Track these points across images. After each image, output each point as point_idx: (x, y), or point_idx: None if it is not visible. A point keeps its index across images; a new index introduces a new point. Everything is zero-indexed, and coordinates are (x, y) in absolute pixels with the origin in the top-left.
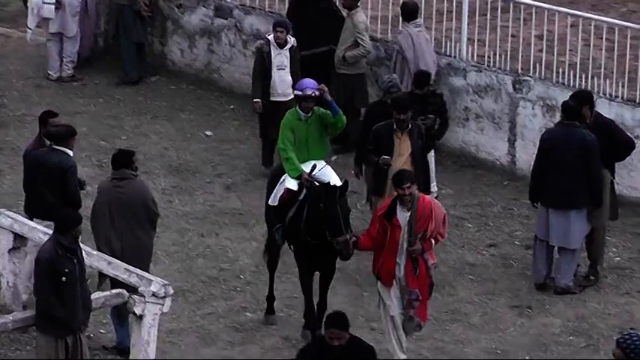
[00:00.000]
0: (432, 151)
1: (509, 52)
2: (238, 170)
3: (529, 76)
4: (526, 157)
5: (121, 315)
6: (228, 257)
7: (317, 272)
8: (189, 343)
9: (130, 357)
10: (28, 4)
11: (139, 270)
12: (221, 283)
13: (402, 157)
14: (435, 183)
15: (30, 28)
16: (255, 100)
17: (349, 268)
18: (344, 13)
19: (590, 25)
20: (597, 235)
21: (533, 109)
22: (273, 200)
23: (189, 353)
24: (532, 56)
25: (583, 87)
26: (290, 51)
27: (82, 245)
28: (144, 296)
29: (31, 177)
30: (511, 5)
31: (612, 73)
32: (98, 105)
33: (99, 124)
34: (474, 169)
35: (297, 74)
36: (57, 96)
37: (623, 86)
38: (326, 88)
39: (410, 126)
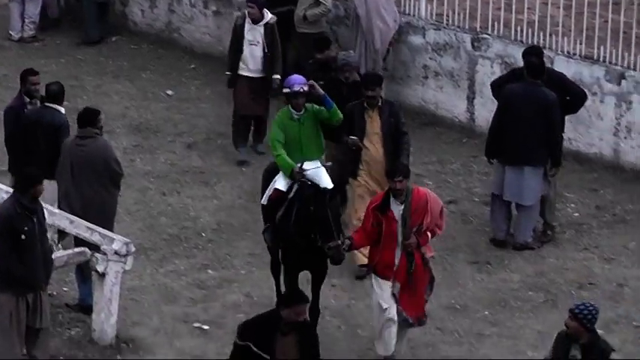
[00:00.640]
0: None
1: (467, 11)
2: (199, 129)
3: (487, 34)
4: (485, 114)
5: (84, 273)
6: (190, 215)
7: (308, 272)
8: (151, 300)
9: (93, 314)
10: None
11: (100, 228)
12: (183, 241)
13: (374, 136)
14: None
15: None
16: (227, 72)
17: None
18: None
19: None
20: (550, 189)
21: (491, 67)
22: (264, 200)
23: (151, 311)
24: (490, 14)
25: (541, 44)
26: (265, 27)
27: (43, 204)
28: (106, 254)
29: (16, 133)
30: None
31: (570, 30)
32: (60, 65)
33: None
34: (433, 127)
35: (274, 51)
36: (19, 56)
37: (580, 43)
38: (315, 83)
39: (380, 103)
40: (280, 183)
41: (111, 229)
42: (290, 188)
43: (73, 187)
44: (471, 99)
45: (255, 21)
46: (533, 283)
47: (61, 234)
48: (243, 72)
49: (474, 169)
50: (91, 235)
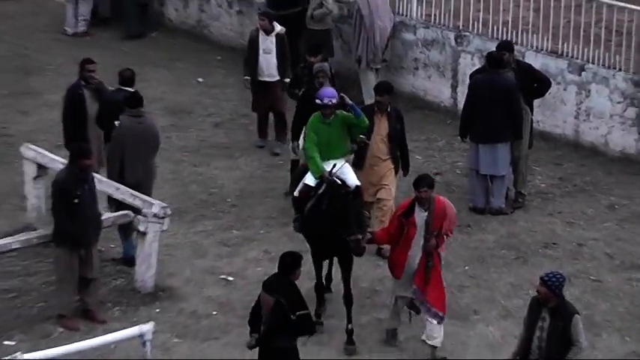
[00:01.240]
0: None
1: (452, 12)
2: (225, 110)
3: (468, 32)
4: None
5: (127, 232)
6: (217, 184)
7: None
8: (184, 255)
9: (135, 267)
10: None
11: (141, 194)
12: (210, 205)
13: (379, 137)
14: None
15: None
16: (245, 77)
17: None
18: None
19: None
20: (520, 163)
21: (472, 59)
22: (296, 193)
23: (184, 264)
24: (471, 15)
25: (514, 41)
26: (276, 37)
27: (94, 173)
28: (146, 216)
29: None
30: None
31: (538, 29)
32: (107, 56)
33: (108, 73)
34: (422, 110)
35: (284, 57)
36: (72, 49)
37: (547, 40)
38: (345, 96)
39: (389, 109)
40: (310, 179)
41: (150, 195)
42: (320, 184)
43: (136, 159)
44: (454, 87)
45: (267, 32)
46: (506, 243)
47: (111, 199)
48: (260, 77)
49: (457, 146)
50: (133, 200)
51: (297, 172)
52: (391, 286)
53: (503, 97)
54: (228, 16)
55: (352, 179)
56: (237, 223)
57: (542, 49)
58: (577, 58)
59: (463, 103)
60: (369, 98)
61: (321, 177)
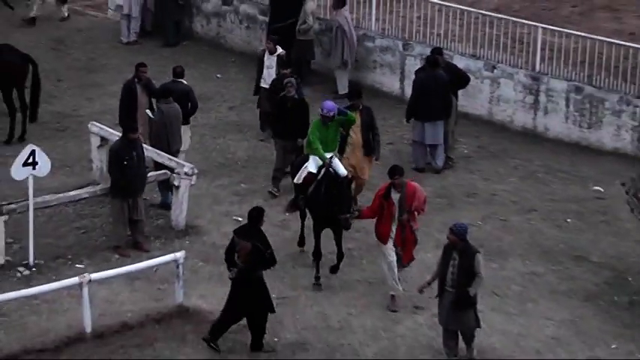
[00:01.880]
0: None
1: (400, 26)
2: (237, 97)
3: (412, 41)
4: (410, 90)
5: (165, 186)
6: (230, 151)
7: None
8: (206, 203)
9: (171, 211)
10: None
11: (176, 158)
12: (226, 167)
13: (356, 128)
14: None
15: (111, 9)
16: (255, 85)
17: None
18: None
19: (449, 10)
20: (449, 136)
21: (415, 61)
22: (298, 180)
23: (206, 209)
24: (414, 29)
25: (445, 47)
26: (277, 57)
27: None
28: (179, 174)
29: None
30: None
31: (462, 38)
32: (150, 59)
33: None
34: (379, 98)
35: (285, 66)
36: (127, 54)
37: (469, 47)
38: (340, 107)
39: (361, 107)
40: (312, 167)
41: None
42: (318, 172)
43: (175, 133)
44: (402, 81)
45: (271, 52)
46: (440, 193)
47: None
48: (263, 84)
49: (404, 124)
50: (170, 163)
51: (297, 162)
52: (383, 258)
53: (439, 88)
54: (239, 30)
55: (342, 170)
56: (246, 179)
57: (465, 54)
58: (490, 60)
59: (410, 94)
60: (343, 90)
61: (324, 164)
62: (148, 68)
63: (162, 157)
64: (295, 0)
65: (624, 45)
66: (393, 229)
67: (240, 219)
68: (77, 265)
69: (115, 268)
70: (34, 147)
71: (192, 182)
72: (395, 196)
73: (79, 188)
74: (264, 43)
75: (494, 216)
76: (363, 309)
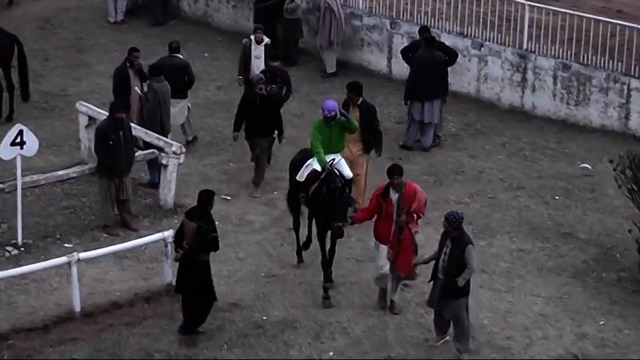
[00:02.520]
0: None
1: (387, 5)
2: (224, 77)
3: (400, 19)
4: (397, 68)
5: (153, 165)
6: (218, 130)
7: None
8: (195, 181)
9: (159, 190)
10: None
11: (164, 137)
12: (214, 145)
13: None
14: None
15: None
16: (238, 77)
17: None
18: None
19: None
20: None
21: (402, 39)
22: (301, 177)
23: (195, 188)
24: (402, 7)
25: (433, 26)
26: (265, 47)
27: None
28: (168, 153)
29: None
30: None
31: (450, 17)
32: (138, 38)
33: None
34: (366, 76)
35: (273, 58)
36: (114, 33)
37: (456, 25)
38: (343, 111)
39: (359, 102)
40: (317, 165)
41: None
42: (322, 171)
43: (165, 109)
44: (389, 59)
45: (259, 42)
46: (427, 171)
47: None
48: (251, 77)
49: (391, 102)
50: (158, 142)
51: (296, 159)
52: (376, 254)
53: (437, 68)
54: (226, 9)
55: (347, 172)
56: (234, 158)
57: (452, 32)
58: (478, 38)
59: (396, 70)
60: (331, 69)
61: (324, 167)
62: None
63: (151, 137)
64: None
65: (611, 22)
66: (391, 231)
67: (228, 198)
68: (66, 245)
69: (104, 247)
70: (22, 126)
71: (181, 161)
72: (394, 196)
73: (67, 168)
74: (253, 33)
75: (481, 193)
76: (352, 287)
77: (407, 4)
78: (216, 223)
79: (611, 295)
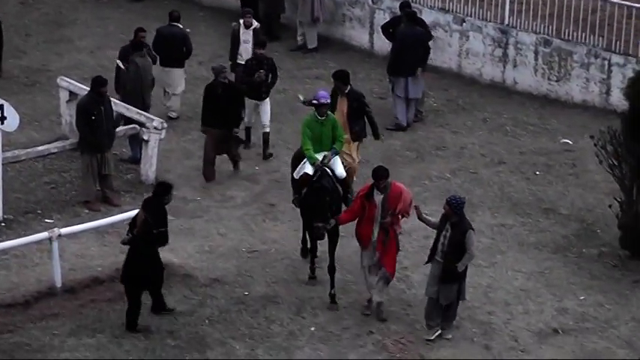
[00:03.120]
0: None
1: None
2: (206, 52)
3: None
4: (379, 44)
5: (135, 140)
6: (200, 105)
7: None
8: (176, 157)
9: (140, 165)
10: None
11: (145, 112)
12: (196, 120)
13: (340, 113)
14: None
15: None
16: (230, 62)
17: None
18: None
19: None
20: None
21: (384, 15)
22: (297, 175)
23: (176, 163)
24: None
25: (413, 1)
26: (254, 31)
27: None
28: (149, 129)
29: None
30: None
31: None
32: (119, 13)
33: (121, 25)
34: (347, 52)
35: (259, 46)
36: (95, 8)
37: (438, 0)
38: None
39: (347, 92)
40: (309, 169)
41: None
42: (314, 173)
43: (145, 84)
44: (371, 35)
45: (247, 26)
46: (409, 147)
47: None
48: (239, 61)
49: (372, 77)
50: (139, 117)
51: (296, 154)
52: (360, 259)
53: (419, 43)
54: None
55: (340, 170)
56: None
57: (434, 7)
58: (459, 13)
59: (378, 46)
60: (312, 44)
61: (314, 165)
62: (117, 21)
63: (132, 112)
64: None
65: None
66: (375, 232)
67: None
68: (47, 220)
69: (85, 222)
70: (3, 101)
71: (162, 136)
72: (378, 198)
73: (48, 143)
74: (243, 17)
75: (463, 169)
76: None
77: None
78: (198, 198)
79: (592, 270)
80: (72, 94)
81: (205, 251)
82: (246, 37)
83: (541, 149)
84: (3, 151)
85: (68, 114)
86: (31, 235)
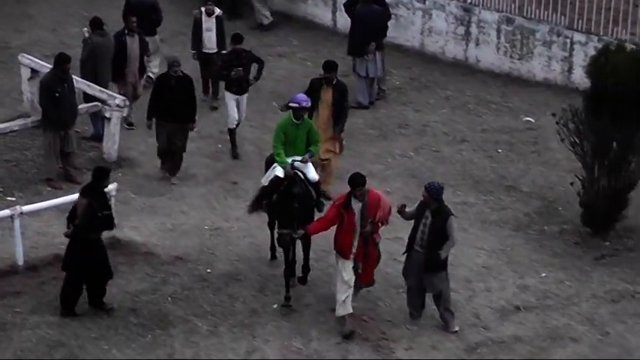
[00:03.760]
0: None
1: None
2: (167, 30)
3: None
4: (342, 22)
5: (97, 118)
6: None
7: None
8: (139, 134)
9: (103, 143)
10: None
11: (107, 90)
12: None
13: (325, 104)
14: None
15: None
16: (192, 51)
17: None
18: None
19: None
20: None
21: None
22: (265, 181)
23: (139, 141)
24: None
25: None
26: (216, 19)
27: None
28: (111, 106)
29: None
30: None
31: None
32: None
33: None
34: (312, 30)
35: (221, 35)
36: None
37: None
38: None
39: (334, 83)
40: (279, 172)
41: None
42: (285, 177)
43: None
44: (334, 13)
45: (210, 14)
46: (372, 125)
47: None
48: (204, 50)
49: (336, 55)
50: (101, 95)
51: (267, 160)
52: (338, 275)
53: (378, 22)
54: None
55: (312, 174)
56: None
57: None
58: None
59: (341, 23)
60: (267, 20)
61: (285, 169)
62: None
63: (94, 89)
64: None
65: None
66: (355, 242)
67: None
68: (8, 198)
69: (47, 200)
70: None
71: (124, 114)
72: (356, 206)
73: (10, 120)
74: (204, 6)
75: (426, 147)
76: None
77: None
78: (160, 176)
79: (553, 248)
80: (33, 72)
81: (168, 229)
82: (209, 24)
83: (503, 127)
84: None
85: (29, 91)
86: None
